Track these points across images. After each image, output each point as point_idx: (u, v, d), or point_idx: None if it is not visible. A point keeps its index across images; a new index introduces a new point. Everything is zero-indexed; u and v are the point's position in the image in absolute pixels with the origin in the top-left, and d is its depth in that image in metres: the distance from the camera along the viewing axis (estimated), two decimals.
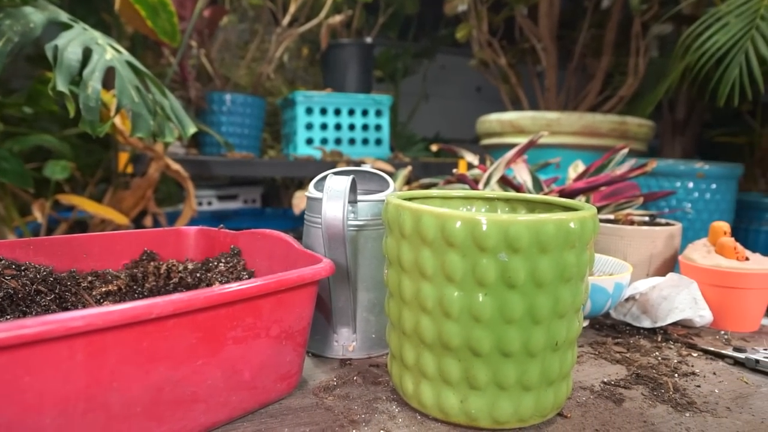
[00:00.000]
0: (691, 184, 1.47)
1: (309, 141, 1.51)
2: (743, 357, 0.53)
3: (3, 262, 0.42)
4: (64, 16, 0.67)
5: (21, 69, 1.49)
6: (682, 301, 0.62)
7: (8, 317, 0.37)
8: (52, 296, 0.41)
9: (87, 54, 0.65)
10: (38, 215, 0.96)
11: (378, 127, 1.59)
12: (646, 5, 1.74)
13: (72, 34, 0.65)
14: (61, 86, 0.59)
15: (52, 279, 0.43)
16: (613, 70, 1.99)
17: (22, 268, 0.43)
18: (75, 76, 0.62)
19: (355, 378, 0.47)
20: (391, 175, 1.08)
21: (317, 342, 0.52)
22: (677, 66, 1.63)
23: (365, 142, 1.58)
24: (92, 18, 1.19)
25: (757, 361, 0.52)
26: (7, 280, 0.39)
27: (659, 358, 0.55)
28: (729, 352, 0.55)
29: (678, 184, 1.47)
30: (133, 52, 1.03)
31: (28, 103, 1.00)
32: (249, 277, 0.51)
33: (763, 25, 1.22)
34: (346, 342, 0.51)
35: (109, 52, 0.69)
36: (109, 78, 0.68)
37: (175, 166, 1.18)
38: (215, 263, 0.53)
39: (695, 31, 1.34)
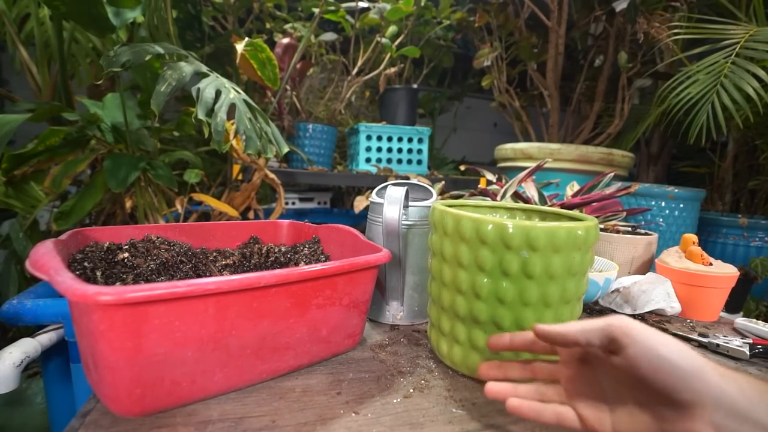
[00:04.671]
0: (663, 204, 1.38)
1: (368, 160, 1.52)
2: (706, 341, 0.50)
3: (159, 239, 0.44)
4: (204, 68, 0.70)
5: (171, 106, 1.57)
6: (657, 294, 0.58)
7: (162, 279, 0.38)
8: (190, 265, 0.42)
9: (218, 94, 0.67)
10: (179, 207, 1.00)
11: (419, 151, 1.57)
12: (631, 64, 1.66)
13: (209, 80, 0.67)
14: (201, 116, 0.62)
15: (190, 253, 0.44)
16: (603, 113, 1.91)
17: (171, 244, 0.44)
18: (209, 109, 0.64)
19: (402, 339, 0.47)
20: None
21: (374, 310, 0.52)
22: (654, 111, 1.56)
23: (409, 162, 1.57)
24: (220, 70, 1.24)
25: (718, 345, 0.49)
26: (162, 252, 0.41)
27: None
28: (694, 336, 0.52)
29: (653, 203, 1.38)
30: (246, 93, 1.06)
31: (177, 129, 1.04)
32: (326, 260, 0.50)
33: (726, 81, 1.16)
34: (395, 312, 0.51)
35: (232, 93, 0.71)
36: (230, 111, 0.70)
37: (271, 175, 1.21)
38: (301, 248, 0.52)
39: (670, 85, 1.30)
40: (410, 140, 1.56)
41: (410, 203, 0.50)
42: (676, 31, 1.38)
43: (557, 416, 0.28)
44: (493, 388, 0.30)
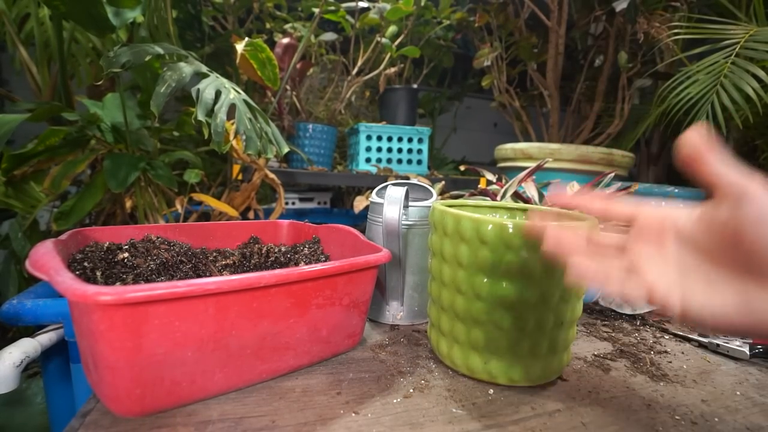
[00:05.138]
0: (663, 204, 1.38)
1: (368, 160, 1.52)
2: (707, 341, 0.50)
3: (159, 239, 0.44)
4: (204, 69, 0.69)
5: (171, 106, 1.57)
6: None
7: (162, 279, 0.38)
8: (190, 265, 0.42)
9: (218, 94, 0.67)
10: (179, 207, 1.00)
11: (419, 151, 1.58)
12: (631, 64, 1.67)
13: (209, 80, 0.67)
14: (201, 117, 0.62)
15: (190, 253, 0.44)
16: (603, 113, 1.91)
17: (171, 244, 0.44)
18: (209, 110, 0.64)
19: (402, 339, 0.47)
20: None
21: (374, 310, 0.52)
22: (654, 111, 1.57)
23: (409, 162, 1.57)
24: (220, 70, 1.24)
25: (718, 345, 0.49)
26: (162, 252, 0.41)
27: (638, 338, 0.51)
28: (695, 336, 0.52)
29: (653, 203, 1.39)
30: (246, 93, 1.06)
31: (177, 129, 1.04)
32: (326, 260, 0.50)
33: (726, 81, 1.17)
34: (395, 312, 0.51)
35: (232, 93, 0.71)
36: (230, 111, 0.70)
37: (271, 175, 1.21)
38: (301, 248, 0.52)
39: (670, 85, 1.30)
40: (410, 140, 1.56)
41: (410, 203, 0.50)
42: (676, 31, 1.38)
43: (621, 284, 0.24)
44: (552, 237, 0.25)
